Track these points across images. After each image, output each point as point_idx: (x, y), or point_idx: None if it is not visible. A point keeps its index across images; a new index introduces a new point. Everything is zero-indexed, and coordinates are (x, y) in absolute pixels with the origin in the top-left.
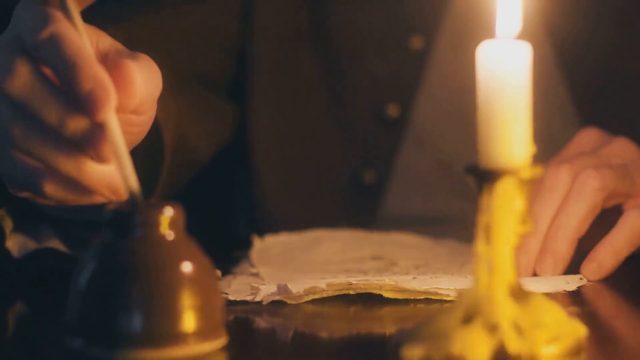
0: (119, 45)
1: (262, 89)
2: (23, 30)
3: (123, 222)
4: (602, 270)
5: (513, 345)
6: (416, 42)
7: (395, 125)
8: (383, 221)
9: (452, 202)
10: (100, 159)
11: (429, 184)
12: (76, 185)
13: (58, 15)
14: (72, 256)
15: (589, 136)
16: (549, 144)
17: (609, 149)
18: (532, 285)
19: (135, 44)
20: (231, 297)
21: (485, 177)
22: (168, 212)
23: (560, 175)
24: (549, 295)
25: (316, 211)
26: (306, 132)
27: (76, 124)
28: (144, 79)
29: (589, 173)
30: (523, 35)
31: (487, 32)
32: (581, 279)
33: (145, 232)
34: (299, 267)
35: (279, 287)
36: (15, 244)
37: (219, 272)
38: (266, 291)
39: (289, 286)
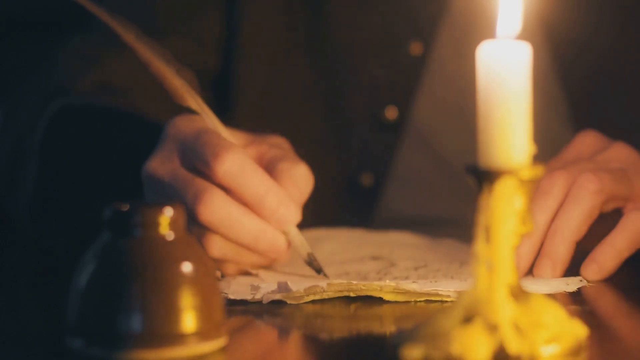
0: (274, 151)
1: (258, 92)
2: (200, 160)
3: (123, 222)
4: (603, 271)
5: (513, 345)
6: (415, 48)
7: (393, 128)
8: (381, 224)
9: (450, 204)
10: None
11: (427, 186)
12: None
13: (225, 141)
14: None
15: (587, 140)
16: (546, 144)
17: (608, 154)
18: (533, 286)
19: (113, 82)
20: (231, 297)
21: (485, 177)
22: (168, 212)
23: (555, 181)
24: (549, 296)
25: (314, 213)
26: (303, 134)
27: (266, 241)
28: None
29: (586, 176)
30: (520, 36)
31: (486, 36)
32: (581, 280)
33: (145, 232)
34: (299, 268)
35: (279, 284)
36: None
37: (219, 273)
38: (266, 289)
39: (290, 284)
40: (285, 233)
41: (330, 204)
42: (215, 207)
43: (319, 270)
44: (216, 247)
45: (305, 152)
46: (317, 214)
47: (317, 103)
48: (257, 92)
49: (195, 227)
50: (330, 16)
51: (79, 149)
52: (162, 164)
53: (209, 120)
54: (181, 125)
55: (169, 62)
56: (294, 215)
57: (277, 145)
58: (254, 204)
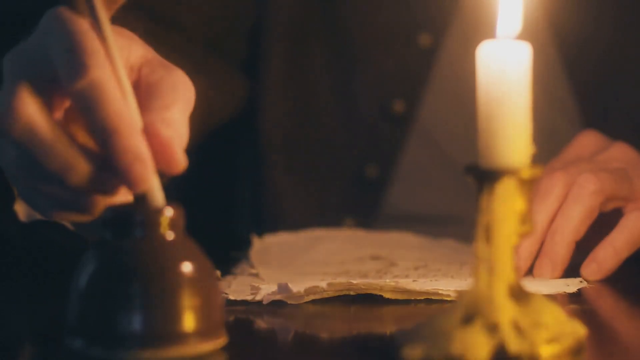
0: (150, 54)
1: (269, 81)
2: (56, 62)
3: (123, 222)
4: (602, 271)
5: (513, 345)
6: (424, 40)
7: (401, 121)
8: (386, 217)
9: (455, 202)
10: (110, 196)
11: (433, 181)
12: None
13: (98, 54)
14: (75, 233)
15: (588, 140)
16: (551, 143)
17: (608, 154)
18: (533, 287)
19: (152, 10)
20: (231, 297)
21: (485, 177)
22: (168, 212)
23: (555, 182)
24: (549, 296)
25: (319, 203)
26: (312, 123)
27: (80, 175)
28: (181, 108)
29: (586, 177)
30: (526, 34)
31: (495, 31)
32: (581, 281)
33: (145, 232)
34: (299, 268)
35: (279, 286)
36: (22, 208)
37: (218, 273)
38: (267, 290)
39: (290, 285)
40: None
41: (336, 193)
42: (23, 121)
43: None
44: (22, 173)
45: (313, 140)
46: (322, 202)
47: (327, 93)
48: (268, 82)
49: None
50: (342, 6)
51: None
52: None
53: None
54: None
55: None
56: (149, 172)
57: (173, 72)
58: (98, 139)
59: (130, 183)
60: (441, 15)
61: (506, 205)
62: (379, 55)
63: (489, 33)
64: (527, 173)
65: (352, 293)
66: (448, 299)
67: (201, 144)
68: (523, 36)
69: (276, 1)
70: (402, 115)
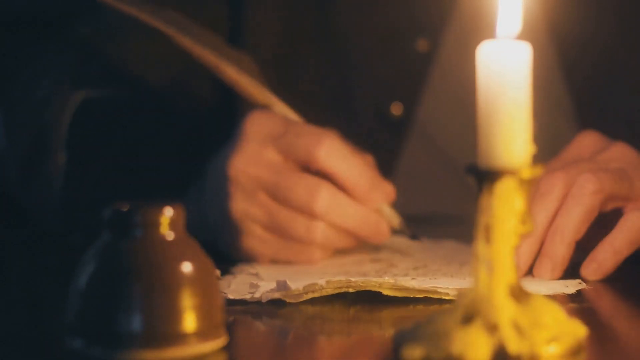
0: None
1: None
2: (299, 150)
3: (123, 222)
4: (602, 271)
5: (513, 345)
6: (422, 45)
7: (398, 124)
8: None
9: (454, 202)
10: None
11: (433, 182)
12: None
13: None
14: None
15: (587, 140)
16: (550, 143)
17: (608, 154)
18: (532, 288)
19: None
20: (231, 296)
21: (485, 177)
22: (168, 212)
23: (555, 182)
24: (549, 296)
25: None
26: None
27: (370, 227)
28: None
29: (586, 177)
30: (525, 35)
31: (493, 35)
32: (580, 282)
33: (145, 232)
34: (298, 267)
35: (278, 283)
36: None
37: (218, 272)
38: (265, 288)
39: (288, 282)
40: (377, 210)
41: None
42: (327, 199)
43: (413, 236)
44: (321, 233)
45: None
46: None
47: (324, 97)
48: (270, 74)
49: (296, 215)
50: (339, 10)
51: (105, 141)
52: (254, 163)
53: (283, 110)
54: (262, 121)
55: (222, 53)
56: (384, 195)
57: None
58: (349, 187)
59: (373, 203)
60: (438, 21)
61: (506, 205)
62: (376, 61)
63: (486, 36)
64: (527, 173)
65: (350, 290)
66: (447, 297)
67: (201, 145)
68: (522, 37)
69: (268, 5)
70: (400, 118)
